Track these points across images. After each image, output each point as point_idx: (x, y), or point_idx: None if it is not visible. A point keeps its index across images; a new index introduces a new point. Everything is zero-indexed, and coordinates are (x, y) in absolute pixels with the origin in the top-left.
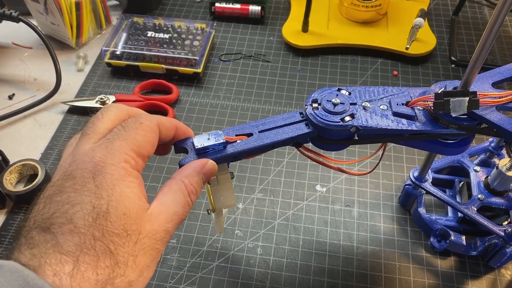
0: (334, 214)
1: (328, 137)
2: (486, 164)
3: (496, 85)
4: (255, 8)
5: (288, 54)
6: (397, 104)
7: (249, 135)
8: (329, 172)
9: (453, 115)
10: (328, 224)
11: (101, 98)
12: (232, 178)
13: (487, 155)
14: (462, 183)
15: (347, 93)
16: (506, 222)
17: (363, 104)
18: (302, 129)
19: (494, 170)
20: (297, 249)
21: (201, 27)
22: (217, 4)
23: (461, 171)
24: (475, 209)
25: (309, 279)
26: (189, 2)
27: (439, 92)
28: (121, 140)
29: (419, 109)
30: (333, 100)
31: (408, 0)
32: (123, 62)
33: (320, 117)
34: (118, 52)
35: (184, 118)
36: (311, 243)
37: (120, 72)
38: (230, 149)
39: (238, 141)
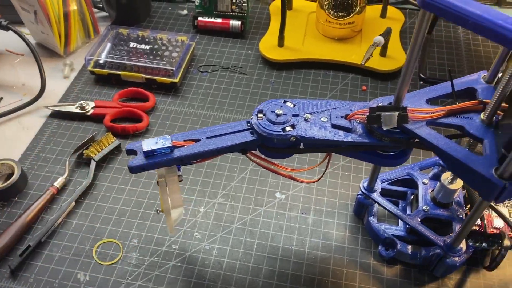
0: (290, 221)
1: (272, 145)
2: (438, 177)
3: (431, 101)
4: (235, 23)
5: (264, 67)
6: (336, 117)
7: (197, 140)
8: (290, 181)
9: (385, 128)
10: (283, 230)
11: (81, 104)
12: (180, 181)
13: (440, 169)
14: (413, 195)
15: (292, 105)
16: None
17: (305, 116)
18: (247, 137)
19: (438, 183)
20: (250, 252)
21: (181, 39)
22: (200, 18)
23: (412, 183)
24: (419, 219)
25: (259, 281)
26: (175, 15)
27: (374, 106)
28: None
29: (357, 122)
30: (276, 111)
31: (383, 18)
32: (106, 71)
33: (263, 127)
34: (101, 61)
35: (158, 125)
36: (265, 247)
37: (103, 80)
38: (176, 153)
39: (185, 146)
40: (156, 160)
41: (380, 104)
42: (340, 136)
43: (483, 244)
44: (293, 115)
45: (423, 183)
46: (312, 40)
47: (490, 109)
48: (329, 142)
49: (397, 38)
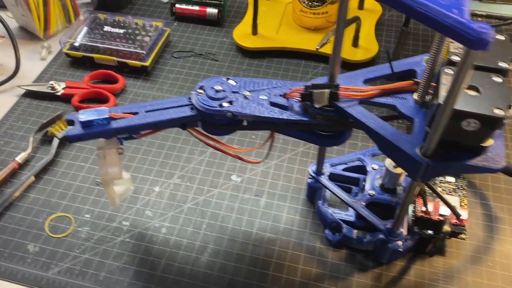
0: (243, 203)
1: (211, 121)
2: None
3: (369, 82)
4: (212, 11)
5: (237, 55)
6: (275, 95)
7: (135, 113)
8: (247, 164)
9: (316, 106)
10: (234, 211)
11: (52, 84)
12: (120, 154)
13: None
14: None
15: (235, 82)
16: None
17: (244, 93)
18: (186, 112)
19: (383, 168)
20: (199, 231)
21: (156, 25)
22: (177, 5)
23: (363, 169)
24: (364, 203)
25: (203, 259)
26: (156, 3)
27: (309, 84)
28: None
29: (295, 101)
30: (215, 87)
31: (361, 10)
32: (80, 53)
33: (201, 102)
34: (76, 44)
35: None
36: (214, 227)
37: (77, 62)
38: (114, 125)
39: (123, 118)
40: (93, 130)
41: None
42: (276, 113)
43: (429, 231)
44: (233, 92)
45: (373, 168)
46: (286, 30)
47: (420, 88)
48: (265, 119)
49: (371, 29)
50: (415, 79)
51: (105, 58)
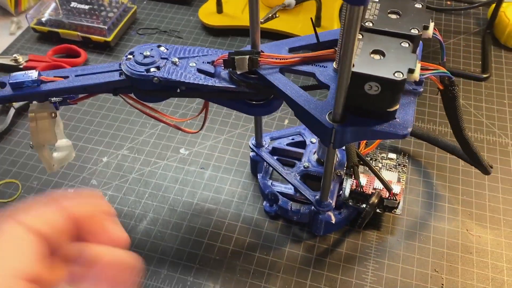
0: (187, 174)
1: (140, 87)
2: None
3: (294, 51)
4: None
5: (201, 32)
6: (203, 63)
7: (66, 77)
8: (197, 138)
9: (238, 72)
10: (177, 182)
11: (15, 57)
12: (54, 118)
13: None
14: None
15: (165, 49)
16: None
17: (173, 59)
18: (115, 77)
19: (318, 140)
20: (140, 200)
21: (122, 1)
22: None
23: (304, 144)
24: (298, 175)
25: (141, 226)
26: None
27: (233, 51)
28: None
29: (222, 69)
30: (144, 53)
31: None
32: (45, 28)
33: (128, 67)
34: (43, 20)
35: None
36: (156, 196)
37: (44, 37)
38: (43, 87)
39: (53, 81)
40: (22, 92)
41: None
42: (201, 80)
43: (362, 205)
44: (162, 58)
45: (311, 142)
46: None
47: (337, 56)
48: (190, 85)
49: (336, 10)
50: (336, 48)
51: (69, 33)
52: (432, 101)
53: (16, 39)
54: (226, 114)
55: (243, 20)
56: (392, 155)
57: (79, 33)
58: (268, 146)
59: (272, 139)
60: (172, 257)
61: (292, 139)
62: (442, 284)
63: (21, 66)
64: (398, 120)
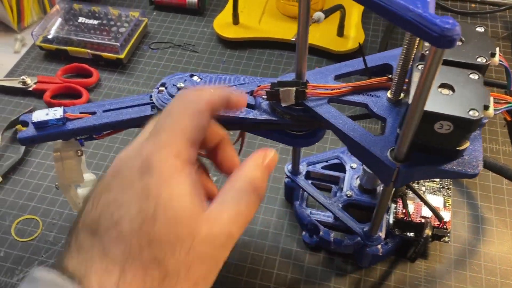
0: None
1: None
2: None
3: (340, 78)
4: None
5: (218, 45)
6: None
7: (93, 113)
8: None
9: (283, 105)
10: None
11: (23, 79)
12: (80, 156)
13: None
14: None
15: (199, 79)
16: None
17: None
18: (146, 111)
19: (361, 167)
20: None
21: (132, 15)
22: None
23: (342, 168)
24: (340, 205)
25: None
26: None
27: (276, 82)
28: (168, 130)
29: (263, 99)
30: (178, 85)
31: None
32: (53, 46)
33: (162, 101)
34: (50, 36)
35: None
36: None
37: (51, 55)
38: (69, 126)
39: (79, 119)
40: (47, 132)
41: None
42: (242, 112)
43: (410, 234)
44: None
45: (351, 167)
46: (269, 19)
47: (393, 85)
48: (230, 119)
49: (358, 18)
50: (390, 75)
51: (79, 50)
52: None
53: (22, 58)
54: (252, 135)
55: (261, 31)
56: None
57: (89, 51)
58: (304, 172)
59: (309, 164)
60: None
61: (327, 162)
62: None
63: (30, 89)
64: (466, 157)
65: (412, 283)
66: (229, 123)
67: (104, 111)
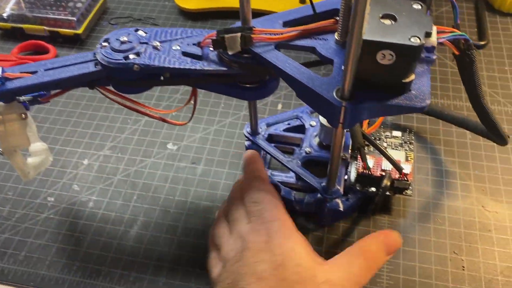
0: (178, 171)
1: (118, 76)
2: None
3: (289, 25)
4: None
5: (179, 18)
6: (188, 45)
7: (34, 73)
8: (184, 131)
9: (230, 53)
10: (168, 181)
11: None
12: (24, 119)
13: None
14: None
15: (144, 33)
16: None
17: (154, 43)
18: (89, 68)
19: (318, 123)
20: (128, 204)
21: None
22: None
23: (303, 128)
24: (300, 162)
25: (133, 232)
26: None
27: (221, 29)
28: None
29: (211, 50)
30: (121, 39)
31: None
32: (8, 25)
33: (104, 55)
34: (5, 15)
35: None
36: (145, 198)
37: (8, 35)
38: (9, 85)
39: (19, 78)
40: None
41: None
42: (188, 64)
43: (371, 188)
44: (141, 43)
45: (310, 125)
46: None
47: (339, 26)
48: (176, 71)
49: None
50: (337, 18)
51: (35, 28)
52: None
53: None
54: (214, 103)
55: (223, 1)
56: (397, 133)
57: (45, 28)
58: (264, 133)
59: (268, 125)
60: (170, 263)
61: (289, 124)
62: (463, 267)
63: None
64: (413, 92)
65: None
66: (175, 76)
67: (45, 70)
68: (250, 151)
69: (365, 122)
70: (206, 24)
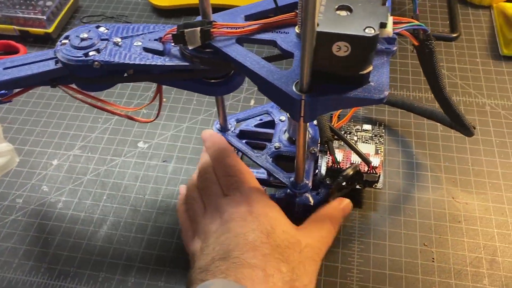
0: (148, 170)
1: (79, 74)
2: None
3: (251, 18)
4: None
5: (152, 15)
6: (150, 40)
7: None
8: (156, 129)
9: (190, 48)
10: (138, 180)
11: None
12: None
13: None
14: None
15: (106, 29)
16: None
17: (115, 40)
18: (49, 66)
19: (287, 117)
20: (98, 204)
21: None
22: None
23: (273, 123)
24: (269, 157)
25: (102, 232)
26: None
27: (181, 24)
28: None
29: (173, 45)
30: (81, 35)
31: None
32: None
33: (64, 53)
34: None
35: None
36: (115, 197)
37: None
38: None
39: None
40: None
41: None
42: (149, 59)
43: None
44: (102, 40)
45: (280, 120)
46: None
47: (299, 18)
48: (137, 67)
49: None
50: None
51: (4, 27)
52: (403, 66)
53: None
54: (187, 100)
55: None
56: (367, 126)
57: (15, 27)
58: (234, 130)
59: (238, 121)
60: (139, 263)
61: (261, 119)
62: (433, 258)
63: None
64: (372, 84)
65: (346, 231)
66: (138, 73)
67: (4, 69)
68: (207, 130)
69: (335, 116)
70: (179, 21)
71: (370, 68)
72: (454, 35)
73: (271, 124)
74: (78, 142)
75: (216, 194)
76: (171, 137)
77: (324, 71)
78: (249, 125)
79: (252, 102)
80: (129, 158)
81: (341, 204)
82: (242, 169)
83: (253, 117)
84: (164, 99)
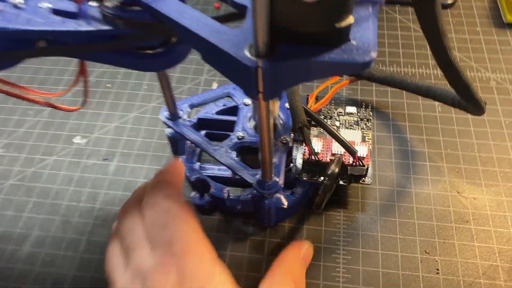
0: (85, 171)
1: None
2: None
3: None
4: None
5: None
6: (61, 0)
7: None
8: (96, 122)
9: (109, 4)
10: (72, 183)
11: None
12: None
13: None
14: None
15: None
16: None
17: (14, 1)
18: None
19: (251, 101)
20: (20, 215)
21: None
22: None
23: (236, 108)
24: (230, 150)
25: (24, 250)
26: None
27: None
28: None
29: (91, 5)
30: None
31: None
32: None
33: None
34: None
35: None
36: (43, 206)
37: None
38: None
39: None
40: None
41: None
42: (56, 24)
43: (320, 178)
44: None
45: (244, 103)
46: None
47: None
48: (44, 35)
49: None
50: None
51: None
52: (392, 38)
53: None
54: (135, 84)
55: None
56: (352, 109)
57: None
58: (189, 117)
59: (193, 106)
60: None
61: (224, 105)
62: (437, 270)
63: None
64: (354, 42)
65: (328, 239)
66: (52, 44)
67: None
68: (175, 161)
69: (312, 97)
70: None
71: (351, 20)
72: (450, 1)
73: (234, 110)
74: (1, 139)
75: (138, 247)
76: (115, 129)
77: (287, 26)
78: (209, 112)
79: (215, 85)
80: (62, 156)
81: (300, 253)
82: (179, 215)
83: (212, 101)
84: (109, 85)
